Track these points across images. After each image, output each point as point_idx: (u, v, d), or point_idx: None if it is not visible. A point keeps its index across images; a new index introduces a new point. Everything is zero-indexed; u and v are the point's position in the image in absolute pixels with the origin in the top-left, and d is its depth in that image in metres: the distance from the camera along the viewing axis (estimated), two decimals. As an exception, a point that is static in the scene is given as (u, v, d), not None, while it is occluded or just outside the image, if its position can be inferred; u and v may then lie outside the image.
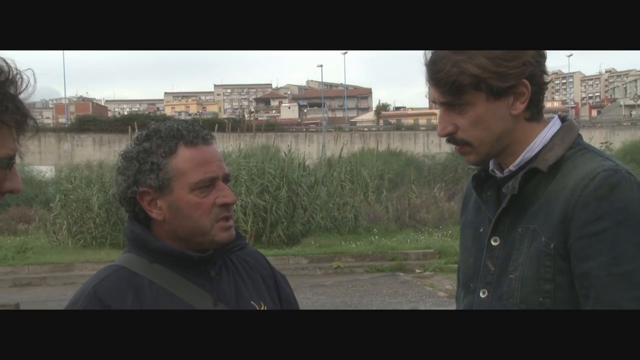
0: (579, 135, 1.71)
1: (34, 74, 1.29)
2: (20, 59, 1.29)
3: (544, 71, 1.68)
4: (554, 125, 1.73)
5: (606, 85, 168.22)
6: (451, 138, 1.71)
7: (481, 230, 1.78)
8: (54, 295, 11.30)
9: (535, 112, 1.70)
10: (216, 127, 18.01)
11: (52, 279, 13.26)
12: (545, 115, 1.75)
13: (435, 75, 1.65)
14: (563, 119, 1.76)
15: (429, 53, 1.69)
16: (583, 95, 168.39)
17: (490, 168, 1.78)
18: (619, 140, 46.73)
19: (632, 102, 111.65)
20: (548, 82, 1.72)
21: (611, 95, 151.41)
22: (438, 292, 11.11)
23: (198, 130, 1.78)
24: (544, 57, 1.68)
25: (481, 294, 1.73)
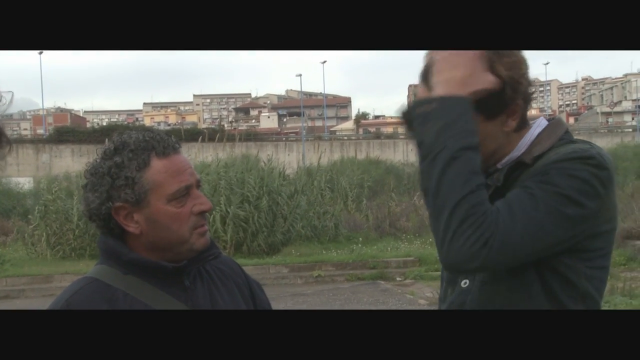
0: (568, 132, 1.72)
1: (12, 95, 1.27)
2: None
3: (530, 83, 1.69)
4: (540, 125, 1.74)
5: (583, 93, 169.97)
6: None
7: None
8: (33, 308, 11.15)
9: (522, 123, 1.71)
10: (200, 139, 17.96)
11: (30, 291, 13.10)
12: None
13: None
14: (550, 120, 1.77)
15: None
16: (560, 103, 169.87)
17: None
18: (596, 147, 47.05)
19: (608, 110, 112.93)
20: (533, 93, 1.73)
21: (588, 103, 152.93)
22: (419, 300, 11.11)
23: (167, 139, 1.76)
24: (528, 68, 1.68)
25: (462, 284, 1.74)
